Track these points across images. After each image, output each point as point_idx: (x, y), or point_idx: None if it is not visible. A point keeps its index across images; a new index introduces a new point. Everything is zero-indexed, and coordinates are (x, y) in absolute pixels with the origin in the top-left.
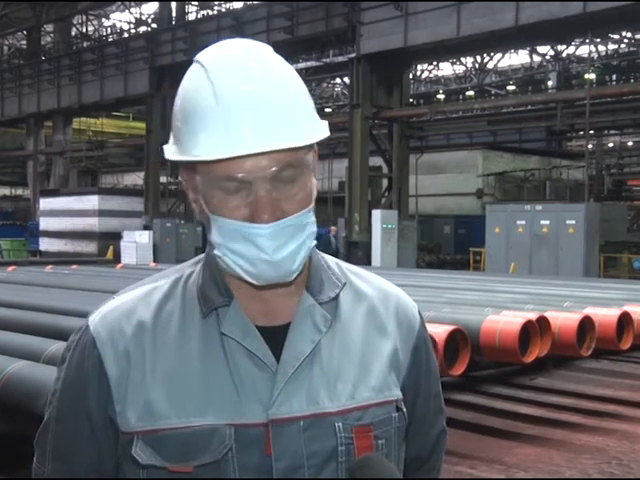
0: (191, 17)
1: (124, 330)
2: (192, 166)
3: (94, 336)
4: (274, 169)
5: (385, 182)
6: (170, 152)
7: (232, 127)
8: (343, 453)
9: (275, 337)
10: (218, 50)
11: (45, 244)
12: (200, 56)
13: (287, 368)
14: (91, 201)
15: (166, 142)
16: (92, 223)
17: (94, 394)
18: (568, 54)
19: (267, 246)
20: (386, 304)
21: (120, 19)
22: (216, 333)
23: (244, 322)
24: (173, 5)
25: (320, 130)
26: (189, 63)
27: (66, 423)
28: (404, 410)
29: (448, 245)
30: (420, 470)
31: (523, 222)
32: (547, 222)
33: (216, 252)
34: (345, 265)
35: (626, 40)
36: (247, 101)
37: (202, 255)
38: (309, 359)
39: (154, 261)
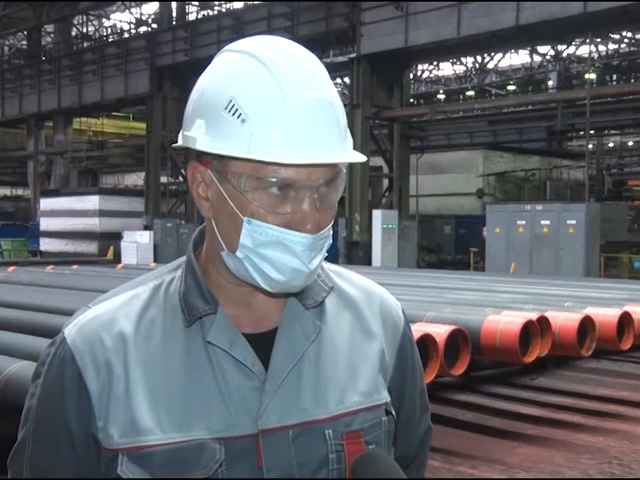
0: (191, 17)
1: (104, 342)
2: (220, 163)
3: (72, 349)
4: (325, 180)
5: (386, 182)
6: (205, 144)
7: (306, 133)
8: (334, 461)
9: (261, 344)
10: (271, 46)
11: (46, 244)
12: (248, 47)
13: (276, 376)
14: (92, 201)
15: (171, 141)
16: (93, 223)
17: (74, 410)
18: (568, 54)
19: (305, 256)
20: (370, 305)
21: (120, 19)
22: (201, 343)
23: (231, 330)
24: (173, 5)
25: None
26: (190, 63)
27: (44, 441)
28: (393, 413)
29: (449, 245)
30: (407, 468)
31: (523, 222)
32: (547, 222)
33: (238, 254)
34: (327, 265)
35: (626, 40)
36: (316, 108)
37: (182, 259)
38: (297, 366)
39: (155, 261)
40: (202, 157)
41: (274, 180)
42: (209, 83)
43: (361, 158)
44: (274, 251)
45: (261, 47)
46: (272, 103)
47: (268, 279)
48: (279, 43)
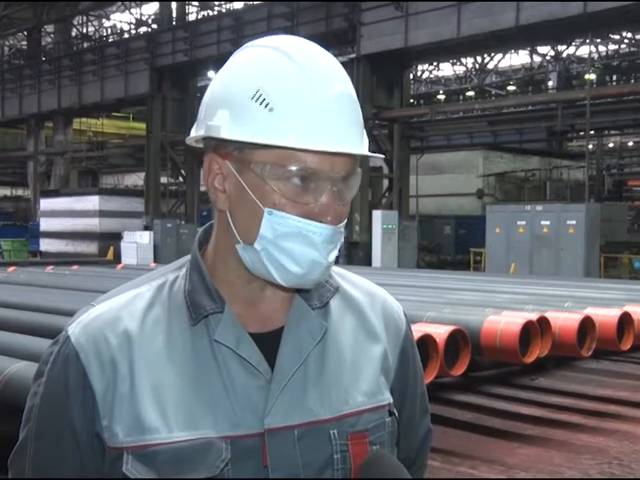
0: (191, 17)
1: (109, 340)
2: (241, 153)
3: (76, 348)
4: (345, 173)
5: (386, 182)
6: (230, 132)
7: (332, 124)
8: (339, 461)
9: (267, 343)
10: (292, 42)
11: (46, 244)
12: (270, 43)
13: (282, 376)
14: (91, 201)
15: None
16: (93, 223)
17: (78, 409)
18: (568, 54)
19: (324, 247)
20: (373, 307)
21: (120, 20)
22: (206, 341)
23: (238, 329)
24: (173, 5)
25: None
26: (189, 64)
27: (47, 441)
28: (396, 414)
29: (449, 245)
30: (407, 470)
31: (523, 222)
32: (547, 222)
33: (256, 246)
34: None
35: (626, 40)
36: (341, 101)
37: (185, 259)
38: (303, 366)
39: (155, 262)
40: (220, 148)
41: (299, 169)
42: (232, 75)
43: (380, 156)
44: (293, 243)
45: (283, 43)
46: (301, 93)
47: (284, 272)
48: (298, 40)
